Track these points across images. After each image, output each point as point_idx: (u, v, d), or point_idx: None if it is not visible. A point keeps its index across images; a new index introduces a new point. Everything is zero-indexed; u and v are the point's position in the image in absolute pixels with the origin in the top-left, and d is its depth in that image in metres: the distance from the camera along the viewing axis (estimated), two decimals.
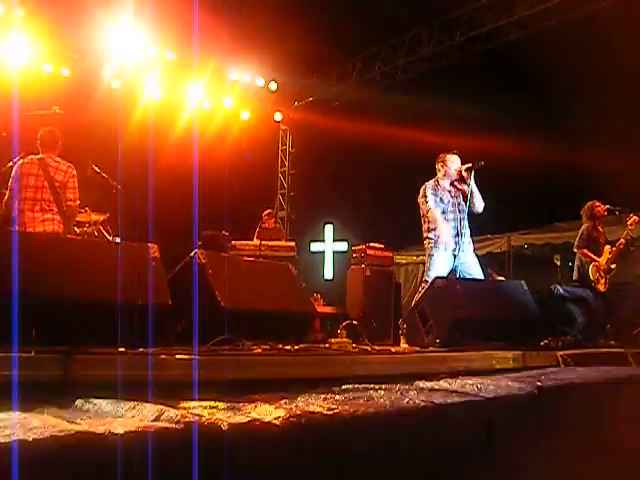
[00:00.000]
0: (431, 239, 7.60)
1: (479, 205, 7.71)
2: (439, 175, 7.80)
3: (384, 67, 15.12)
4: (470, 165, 7.65)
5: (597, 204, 9.26)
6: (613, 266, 9.09)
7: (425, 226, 7.71)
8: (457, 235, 7.60)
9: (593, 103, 11.67)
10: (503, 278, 12.64)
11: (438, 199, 7.65)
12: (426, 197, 7.63)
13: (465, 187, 7.74)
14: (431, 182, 7.75)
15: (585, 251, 9.12)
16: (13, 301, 3.66)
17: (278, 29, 14.27)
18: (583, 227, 9.38)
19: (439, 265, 7.50)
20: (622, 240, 9.11)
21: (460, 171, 7.68)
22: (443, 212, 7.63)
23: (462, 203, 7.71)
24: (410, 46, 14.50)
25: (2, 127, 6.55)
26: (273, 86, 16.12)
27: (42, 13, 10.91)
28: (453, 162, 7.76)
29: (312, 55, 15.42)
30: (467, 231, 7.71)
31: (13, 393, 2.74)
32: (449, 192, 7.73)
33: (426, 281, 7.37)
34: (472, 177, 7.62)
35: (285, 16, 14.13)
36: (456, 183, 7.79)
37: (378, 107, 14.98)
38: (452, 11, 13.43)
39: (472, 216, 7.74)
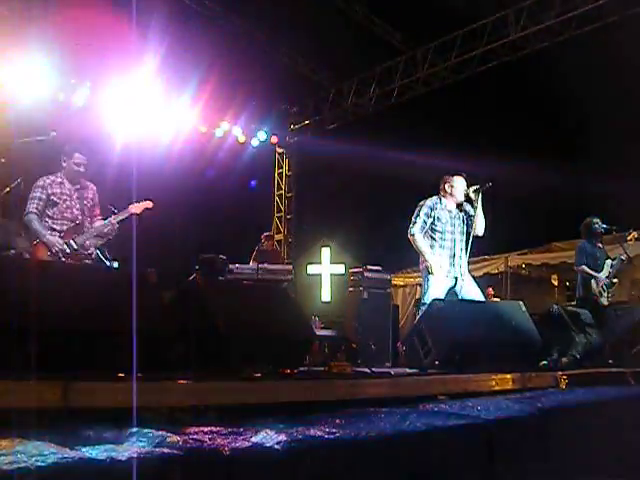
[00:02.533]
0: (426, 261, 7.58)
1: (481, 229, 7.63)
2: (442, 194, 7.73)
3: (379, 90, 15.19)
4: (478, 187, 7.59)
5: (595, 221, 9.30)
6: (615, 280, 9.11)
7: None
8: (452, 256, 7.57)
9: (589, 124, 11.72)
10: (498, 299, 12.66)
11: (434, 219, 7.62)
12: (417, 221, 7.60)
13: (469, 208, 7.73)
14: (432, 199, 7.66)
15: (583, 267, 9.14)
16: (12, 329, 3.66)
17: (273, 52, 14.39)
18: (579, 244, 9.43)
19: (436, 287, 7.46)
20: (622, 254, 9.15)
21: (467, 193, 7.64)
22: (440, 232, 7.59)
23: (462, 226, 7.69)
24: (405, 68, 14.58)
25: (0, 153, 6.58)
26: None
27: (39, 39, 10.95)
28: (459, 184, 7.70)
29: (307, 78, 15.52)
30: (464, 254, 7.66)
31: (14, 421, 2.74)
32: (449, 212, 7.64)
33: (424, 303, 7.34)
34: (480, 199, 7.60)
35: (280, 39, 14.25)
36: (460, 205, 7.76)
37: (374, 129, 15.04)
38: (446, 33, 13.51)
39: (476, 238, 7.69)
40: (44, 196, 6.89)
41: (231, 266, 10.99)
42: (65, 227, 6.92)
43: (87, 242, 6.97)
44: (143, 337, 4.32)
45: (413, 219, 7.62)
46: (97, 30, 11.72)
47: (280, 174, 18.20)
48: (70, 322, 4.28)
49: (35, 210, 6.82)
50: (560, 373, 5.79)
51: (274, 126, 17.14)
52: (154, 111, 14.37)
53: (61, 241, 6.76)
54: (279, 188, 18.15)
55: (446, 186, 7.71)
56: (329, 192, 15.69)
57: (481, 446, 3.41)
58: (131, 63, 12.52)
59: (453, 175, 7.76)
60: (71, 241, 6.85)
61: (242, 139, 16.29)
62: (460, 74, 13.87)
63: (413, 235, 7.55)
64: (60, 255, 6.70)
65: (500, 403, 4.01)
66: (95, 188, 7.32)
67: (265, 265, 11.40)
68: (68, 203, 7.02)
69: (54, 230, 6.86)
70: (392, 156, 13.48)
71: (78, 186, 7.14)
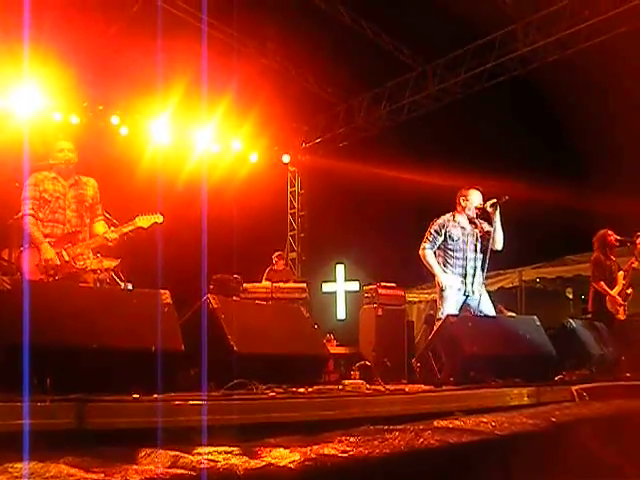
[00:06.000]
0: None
1: (500, 243, 7.56)
2: (458, 209, 7.68)
3: (390, 106, 15.20)
4: (495, 200, 7.50)
5: (609, 233, 9.28)
6: (629, 291, 9.08)
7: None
8: (465, 275, 7.54)
9: (603, 138, 11.69)
10: (514, 314, 12.59)
11: (444, 236, 7.56)
12: (428, 238, 7.61)
13: (485, 225, 7.66)
14: (445, 216, 7.64)
15: (602, 284, 9.11)
16: (28, 350, 3.68)
17: (283, 71, 14.45)
18: (594, 257, 9.38)
19: (450, 302, 7.45)
20: (633, 262, 9.11)
21: (483, 208, 7.58)
22: (451, 250, 7.57)
23: (477, 242, 7.63)
24: (415, 84, 14.59)
25: (14, 177, 6.56)
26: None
27: (51, 62, 11.05)
28: (474, 197, 7.64)
29: (318, 96, 15.56)
30: (479, 271, 7.61)
31: (28, 442, 2.75)
32: (462, 229, 7.59)
33: (439, 319, 7.32)
34: (497, 213, 7.50)
35: (290, 58, 14.32)
36: (475, 220, 7.70)
37: (385, 146, 15.06)
38: (455, 49, 13.54)
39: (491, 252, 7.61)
40: (37, 194, 6.28)
41: (245, 285, 11.02)
42: (57, 231, 6.30)
43: (82, 254, 6.29)
44: (158, 357, 4.34)
45: (425, 236, 7.62)
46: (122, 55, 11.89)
47: (293, 192, 18.23)
48: (85, 343, 4.31)
49: (31, 211, 6.21)
50: (575, 387, 5.76)
51: (286, 144, 17.21)
52: (170, 131, 14.51)
53: (54, 253, 6.10)
54: (292, 206, 18.18)
55: (461, 199, 7.66)
56: (342, 209, 15.70)
57: (496, 462, 3.40)
58: (154, 89, 12.63)
59: (468, 188, 7.73)
60: (63, 251, 6.20)
61: (254, 158, 16.36)
62: (471, 89, 13.86)
63: (423, 250, 7.57)
64: (49, 266, 6.05)
65: (515, 418, 4.00)
66: (96, 184, 6.68)
67: (279, 284, 11.43)
68: (61, 202, 6.38)
69: (44, 235, 6.21)
70: (404, 172, 13.49)
71: (73, 182, 6.51)
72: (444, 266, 7.55)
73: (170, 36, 10.93)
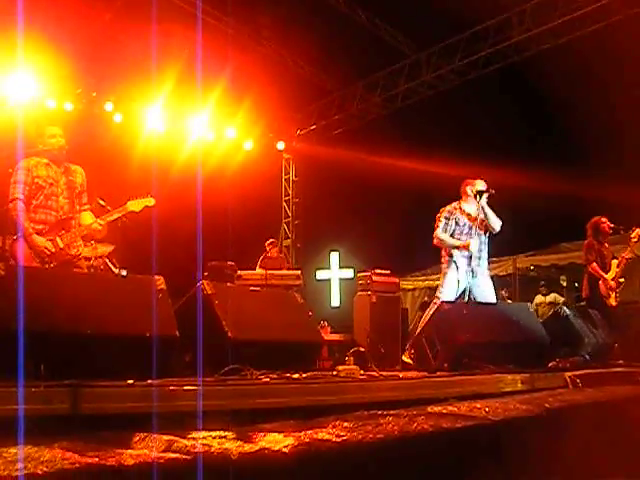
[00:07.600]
0: (447, 259, 7.71)
1: (495, 225, 7.84)
2: (463, 198, 7.97)
3: (384, 94, 15.19)
4: (482, 189, 7.81)
5: (603, 220, 9.27)
6: (622, 280, 9.09)
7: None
8: (470, 258, 7.66)
9: (598, 125, 11.69)
10: (510, 301, 12.63)
11: (452, 222, 7.82)
12: (438, 225, 7.84)
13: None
14: (452, 205, 7.94)
15: (595, 266, 9.10)
16: (22, 336, 3.68)
17: (278, 58, 14.42)
18: (587, 242, 9.38)
19: (452, 284, 7.59)
20: (627, 253, 9.12)
21: (475, 194, 7.78)
22: (458, 235, 7.74)
23: (482, 227, 7.80)
24: (410, 72, 14.57)
25: (7, 165, 6.51)
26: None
27: (45, 49, 11.00)
28: (477, 187, 7.88)
29: (313, 83, 15.53)
30: (484, 255, 7.85)
31: (23, 427, 2.76)
32: (468, 215, 7.85)
33: (438, 297, 7.56)
34: (482, 200, 7.75)
35: (285, 46, 14.28)
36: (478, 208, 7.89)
37: (380, 134, 15.04)
38: (450, 36, 13.51)
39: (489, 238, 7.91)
40: (29, 179, 6.09)
41: (239, 272, 11.01)
42: (50, 218, 6.13)
43: (74, 242, 6.13)
44: (152, 343, 4.34)
45: (436, 224, 7.88)
46: (116, 42, 11.86)
47: (287, 180, 18.23)
48: (80, 329, 4.31)
49: (21, 196, 6.00)
50: (569, 373, 5.79)
51: (280, 132, 17.19)
52: (164, 119, 14.48)
53: (45, 242, 5.96)
54: (286, 194, 18.18)
55: (467, 189, 7.95)
56: (336, 197, 15.70)
57: (489, 447, 3.41)
58: (149, 76, 12.59)
59: (474, 178, 8.00)
60: (57, 238, 6.06)
61: (249, 145, 16.34)
62: (465, 76, 13.85)
63: (437, 236, 7.85)
64: (44, 255, 5.92)
65: (508, 404, 4.02)
66: (84, 173, 6.51)
67: (274, 271, 11.42)
68: (54, 189, 6.21)
69: (36, 221, 6.05)
70: (398, 160, 13.49)
71: (63, 169, 6.32)
72: (452, 250, 7.69)
73: (165, 23, 10.89)
